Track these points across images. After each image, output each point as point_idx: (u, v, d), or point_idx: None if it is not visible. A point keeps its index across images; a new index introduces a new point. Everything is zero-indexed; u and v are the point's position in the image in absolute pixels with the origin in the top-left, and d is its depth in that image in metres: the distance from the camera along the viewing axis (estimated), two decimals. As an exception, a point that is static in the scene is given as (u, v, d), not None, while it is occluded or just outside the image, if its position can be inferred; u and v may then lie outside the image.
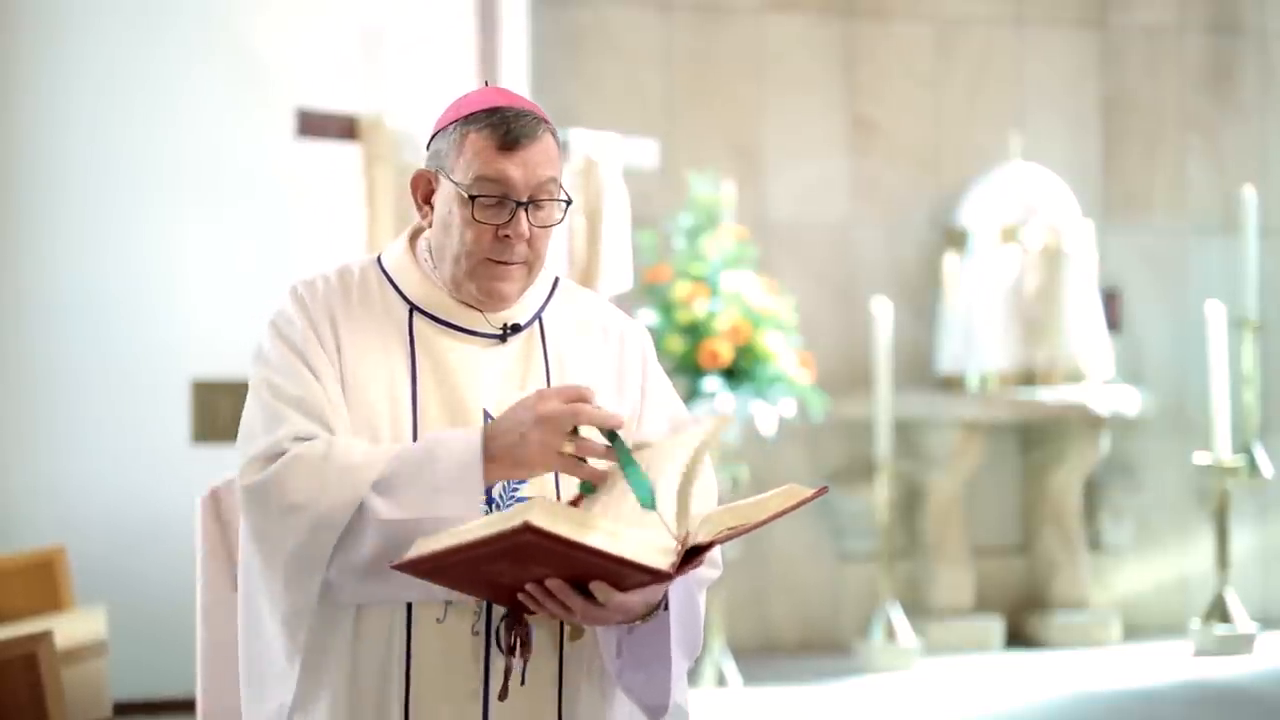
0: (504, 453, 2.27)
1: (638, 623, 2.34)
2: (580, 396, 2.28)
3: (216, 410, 6.33)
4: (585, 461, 2.30)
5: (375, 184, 5.58)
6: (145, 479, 6.19)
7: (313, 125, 5.70)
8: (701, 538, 2.21)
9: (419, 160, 2.63)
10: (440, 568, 2.16)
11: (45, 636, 3.64)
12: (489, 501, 2.36)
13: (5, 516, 6.20)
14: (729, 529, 2.21)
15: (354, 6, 6.57)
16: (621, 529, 2.15)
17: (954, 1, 7.84)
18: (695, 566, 2.25)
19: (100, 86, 6.32)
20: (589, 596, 2.21)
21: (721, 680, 6.50)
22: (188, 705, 2.96)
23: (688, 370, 6.44)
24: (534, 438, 2.25)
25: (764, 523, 2.25)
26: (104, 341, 6.32)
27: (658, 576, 2.18)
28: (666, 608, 2.34)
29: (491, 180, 2.39)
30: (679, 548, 2.19)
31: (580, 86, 7.23)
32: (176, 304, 6.37)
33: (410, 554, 2.17)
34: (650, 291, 6.61)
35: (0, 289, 6.27)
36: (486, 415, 2.41)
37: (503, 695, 2.34)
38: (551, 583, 2.19)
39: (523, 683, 2.37)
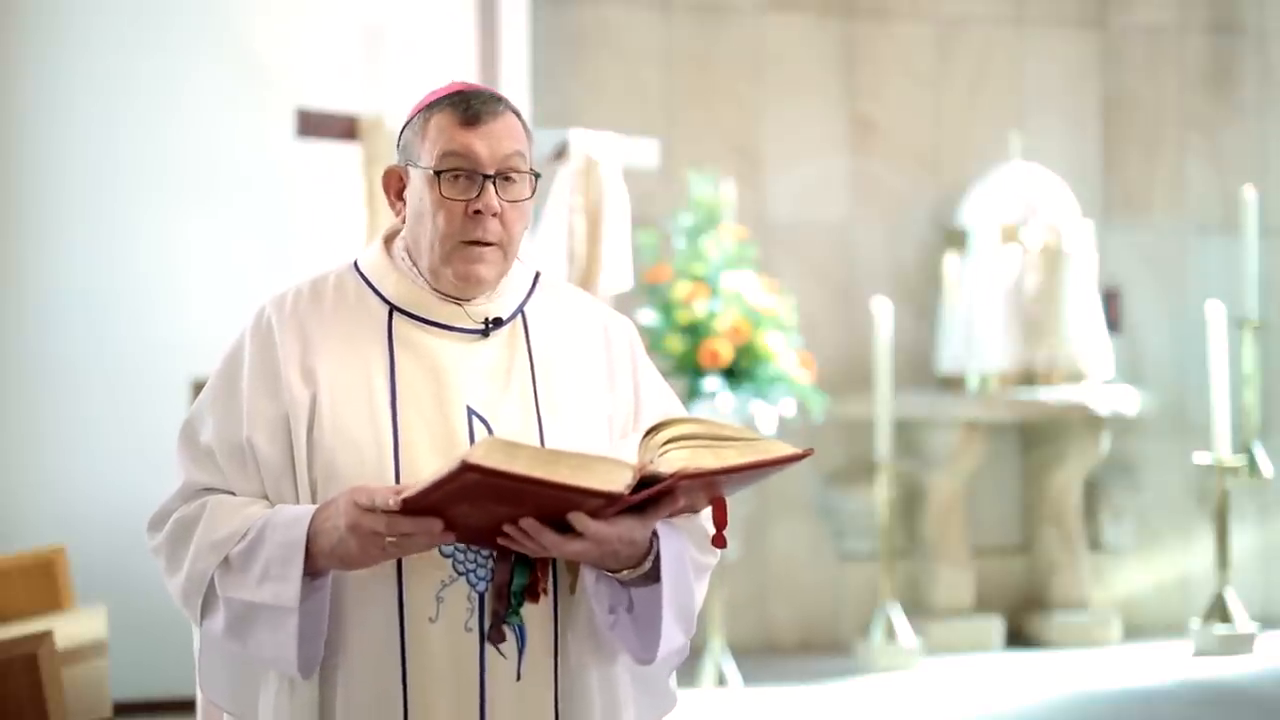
0: (329, 551, 2.29)
1: (625, 573, 2.34)
2: (388, 506, 2.23)
3: (216, 410, 6.32)
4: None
5: (375, 184, 5.57)
6: (145, 479, 6.15)
7: (313, 125, 5.69)
8: (662, 469, 2.24)
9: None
10: (421, 512, 2.23)
11: (45, 636, 3.64)
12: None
13: (5, 516, 6.20)
14: (697, 468, 2.24)
15: (354, 6, 6.57)
16: (572, 459, 2.19)
17: (954, 1, 7.84)
18: (669, 502, 2.27)
19: (100, 86, 6.32)
20: (563, 532, 2.24)
21: (721, 680, 6.50)
22: (188, 705, 2.95)
23: (688, 370, 6.45)
24: (352, 543, 2.26)
25: (738, 470, 2.26)
26: (104, 341, 6.31)
27: (609, 499, 2.21)
28: (658, 579, 2.34)
29: (457, 155, 2.40)
30: (635, 474, 2.23)
31: (580, 86, 7.23)
32: (176, 303, 6.37)
33: (395, 498, 2.23)
34: (650, 291, 6.61)
35: (0, 289, 6.27)
36: (470, 413, 2.40)
37: (494, 639, 2.34)
38: (525, 522, 2.23)
39: (518, 678, 2.37)
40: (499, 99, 2.45)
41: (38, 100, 6.28)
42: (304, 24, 6.51)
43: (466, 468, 2.11)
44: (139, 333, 6.35)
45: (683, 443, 2.27)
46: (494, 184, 2.40)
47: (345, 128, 5.70)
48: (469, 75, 6.09)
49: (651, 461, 2.27)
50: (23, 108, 6.28)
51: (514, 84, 6.29)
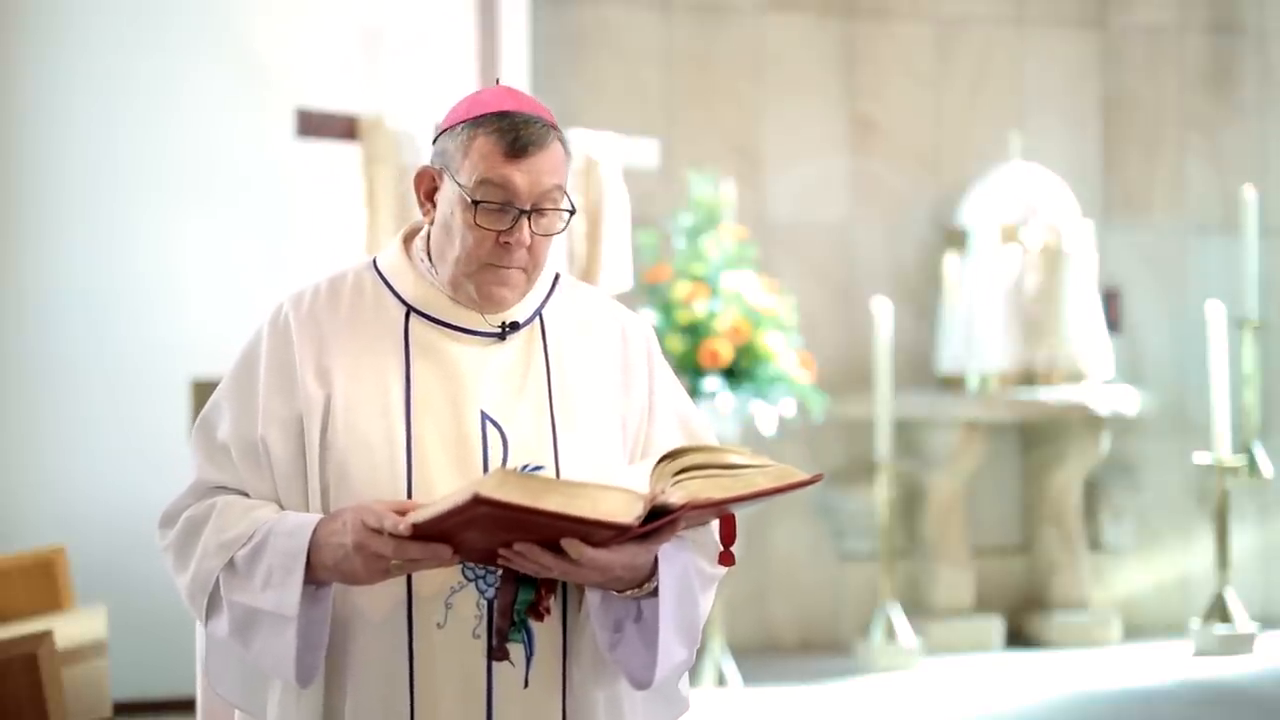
0: (332, 566, 2.28)
1: (629, 593, 2.33)
2: (397, 531, 2.21)
3: (216, 410, 6.32)
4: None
5: (375, 184, 5.57)
6: (145, 479, 6.18)
7: (313, 125, 5.69)
8: (673, 499, 2.23)
9: (419, 160, 2.62)
10: (430, 537, 2.23)
11: (45, 636, 3.64)
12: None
13: (5, 516, 6.20)
14: (707, 498, 2.24)
15: (354, 6, 6.57)
16: (583, 490, 2.18)
17: (954, 1, 7.84)
18: (671, 530, 2.27)
19: (100, 86, 6.31)
20: (562, 554, 2.23)
21: (721, 680, 6.50)
22: (188, 705, 2.95)
23: (688, 370, 6.44)
24: (357, 562, 2.25)
25: (747, 498, 2.28)
26: (104, 341, 6.31)
27: (620, 530, 2.21)
28: (656, 593, 2.33)
29: (496, 186, 2.36)
30: (645, 505, 2.21)
31: (580, 86, 7.23)
32: (176, 303, 6.37)
33: (404, 523, 2.22)
34: (650, 291, 6.61)
35: (0, 289, 6.27)
36: (484, 417, 2.40)
37: (498, 656, 2.33)
38: (519, 545, 2.21)
39: (525, 685, 2.37)
40: (547, 127, 2.40)
41: (38, 100, 6.28)
42: (304, 24, 6.51)
43: (478, 501, 2.10)
44: (139, 333, 6.35)
45: (695, 473, 2.26)
46: (529, 218, 2.37)
47: (345, 128, 5.69)
48: (469, 75, 6.08)
49: (663, 491, 2.25)
50: (23, 108, 6.28)
51: (514, 84, 6.27)
